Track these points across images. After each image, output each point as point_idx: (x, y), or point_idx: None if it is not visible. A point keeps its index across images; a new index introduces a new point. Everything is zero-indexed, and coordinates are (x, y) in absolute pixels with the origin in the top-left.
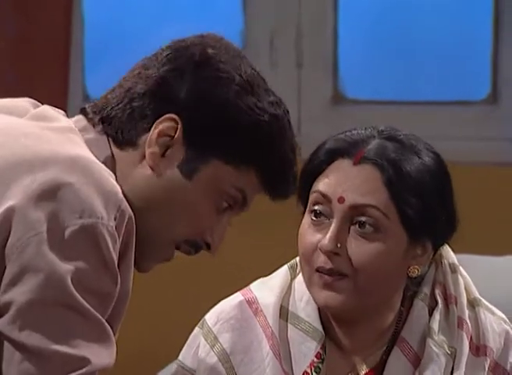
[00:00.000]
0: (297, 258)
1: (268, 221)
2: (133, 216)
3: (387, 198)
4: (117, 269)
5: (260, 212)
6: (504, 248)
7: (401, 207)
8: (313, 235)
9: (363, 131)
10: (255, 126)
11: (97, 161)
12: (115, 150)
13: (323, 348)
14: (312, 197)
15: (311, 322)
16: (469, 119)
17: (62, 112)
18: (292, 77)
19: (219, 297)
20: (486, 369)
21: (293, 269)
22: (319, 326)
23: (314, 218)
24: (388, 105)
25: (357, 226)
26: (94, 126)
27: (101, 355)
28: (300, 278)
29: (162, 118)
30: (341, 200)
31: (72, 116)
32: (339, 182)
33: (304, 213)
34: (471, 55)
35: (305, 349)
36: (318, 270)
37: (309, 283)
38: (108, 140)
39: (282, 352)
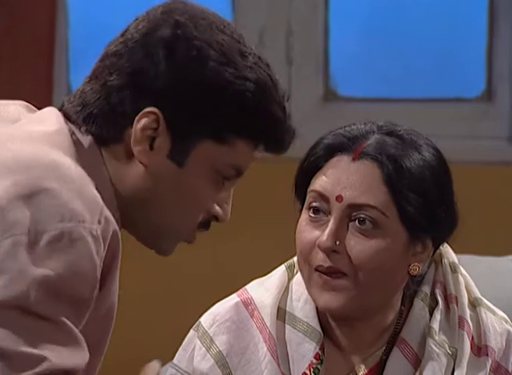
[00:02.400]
0: (295, 258)
1: (265, 222)
2: (118, 231)
3: (386, 195)
4: (97, 275)
5: (257, 212)
6: (504, 248)
7: (401, 204)
8: (311, 232)
9: (362, 126)
10: (238, 98)
11: (79, 167)
12: (103, 150)
13: (322, 348)
14: (310, 196)
15: (309, 322)
16: (463, 116)
17: (56, 112)
18: (282, 75)
19: (214, 299)
20: (488, 369)
21: (290, 270)
22: (317, 327)
23: (312, 215)
24: (380, 102)
25: (355, 223)
26: (79, 128)
27: (63, 356)
28: (297, 278)
29: (141, 113)
30: (339, 198)
31: None
32: (337, 180)
33: (301, 211)
34: (465, 52)
35: (304, 350)
36: (317, 269)
37: (308, 284)
38: (95, 140)
39: (280, 354)
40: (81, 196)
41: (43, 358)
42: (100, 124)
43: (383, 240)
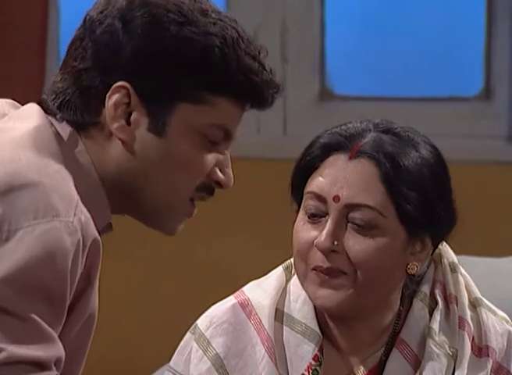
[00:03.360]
0: (292, 259)
1: (262, 223)
2: (99, 238)
3: (384, 194)
4: (68, 265)
5: (253, 214)
6: (503, 248)
7: (399, 203)
8: (308, 232)
9: (358, 124)
10: (203, 55)
11: (56, 163)
12: (83, 136)
13: (320, 350)
14: (307, 197)
15: (308, 323)
16: (461, 116)
17: (37, 107)
18: (277, 73)
19: (211, 301)
20: (489, 370)
21: (288, 271)
22: (316, 328)
23: (309, 216)
24: (377, 101)
25: (353, 222)
26: (56, 117)
27: (28, 348)
28: (295, 279)
29: (111, 90)
30: (336, 199)
31: None
32: (334, 180)
33: (297, 211)
34: (463, 50)
35: (302, 352)
36: (314, 269)
37: (304, 281)
38: (73, 127)
39: (278, 356)
40: (56, 191)
41: None
42: (74, 110)
43: (382, 238)
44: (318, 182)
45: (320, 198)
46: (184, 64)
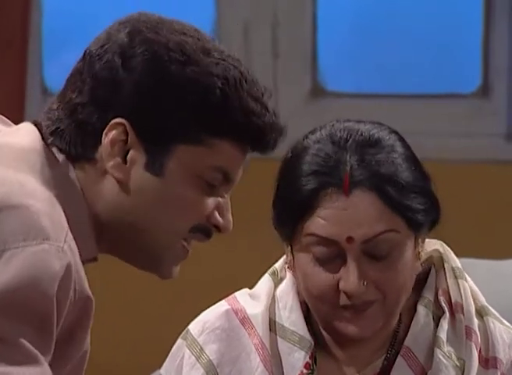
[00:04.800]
0: (277, 265)
1: (252, 223)
2: (92, 298)
3: (392, 214)
4: (54, 289)
5: (245, 214)
6: (503, 250)
7: (406, 215)
8: (325, 274)
9: (324, 146)
10: (204, 97)
11: (46, 190)
12: (76, 168)
13: (312, 357)
14: (310, 240)
15: (297, 330)
16: (458, 113)
17: (33, 128)
18: (267, 69)
19: (204, 306)
20: None
21: (274, 275)
22: (306, 335)
23: (319, 256)
24: (371, 98)
25: (373, 256)
26: (50, 144)
27: (13, 368)
28: (282, 286)
29: (108, 126)
30: (350, 240)
31: (31, 109)
32: (339, 221)
33: (285, 240)
34: (460, 45)
35: (293, 360)
36: (343, 307)
37: (332, 319)
38: (67, 158)
39: (274, 366)
40: (48, 216)
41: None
42: (67, 142)
43: (401, 259)
44: (322, 226)
45: (329, 241)
46: (184, 104)
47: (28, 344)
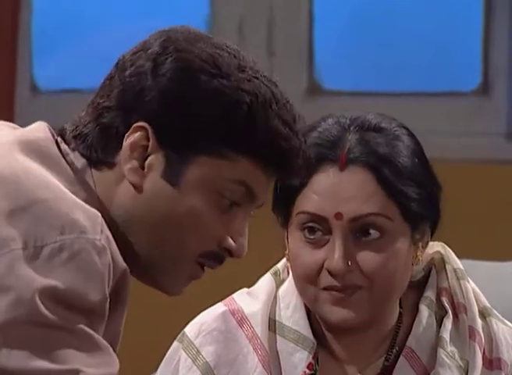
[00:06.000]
0: (279, 265)
1: (257, 229)
2: (128, 270)
3: (385, 198)
4: (104, 286)
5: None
6: (504, 251)
7: (402, 203)
8: (312, 255)
9: (331, 126)
10: (230, 111)
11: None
12: (94, 171)
13: (316, 357)
14: (301, 217)
15: (300, 330)
16: (458, 112)
17: (43, 130)
18: (263, 66)
19: (200, 309)
20: None
21: (276, 276)
22: (309, 335)
23: (308, 236)
24: (369, 96)
25: (361, 235)
26: (70, 147)
27: (96, 365)
28: (285, 286)
29: (130, 130)
30: (339, 216)
31: (20, 107)
32: (331, 196)
33: (283, 226)
34: (459, 42)
35: (295, 360)
36: (326, 288)
37: (315, 303)
38: (86, 160)
39: (273, 366)
40: (79, 207)
41: (71, 371)
42: (89, 145)
43: (392, 246)
44: (313, 201)
45: (319, 217)
46: (209, 116)
47: (89, 330)
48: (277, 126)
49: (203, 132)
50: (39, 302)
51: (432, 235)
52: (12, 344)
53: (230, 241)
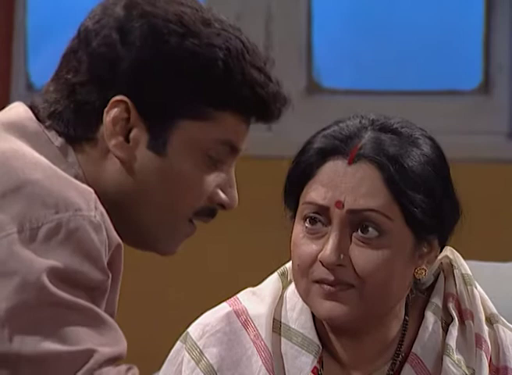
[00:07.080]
0: (287, 265)
1: (255, 229)
2: (121, 243)
3: (389, 198)
4: (103, 262)
5: (245, 219)
6: (507, 252)
7: (406, 207)
8: (310, 245)
9: (352, 122)
10: (207, 69)
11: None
12: (75, 149)
13: (320, 362)
14: (305, 207)
15: (306, 333)
16: (459, 111)
17: (25, 108)
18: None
19: (203, 308)
20: None
21: (284, 276)
22: (315, 338)
23: (308, 226)
24: (368, 95)
25: (358, 231)
26: (46, 126)
27: (108, 343)
28: (292, 286)
29: (108, 105)
30: (339, 204)
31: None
32: (335, 186)
33: (292, 218)
34: (460, 40)
35: (300, 364)
36: (317, 281)
37: (307, 296)
38: (65, 139)
39: (276, 368)
40: (71, 184)
41: (86, 351)
42: (66, 123)
43: (389, 248)
44: (318, 191)
45: (321, 207)
46: (186, 78)
47: (95, 309)
48: (253, 76)
49: (182, 96)
50: (47, 282)
51: (441, 247)
52: (25, 329)
53: (221, 194)
